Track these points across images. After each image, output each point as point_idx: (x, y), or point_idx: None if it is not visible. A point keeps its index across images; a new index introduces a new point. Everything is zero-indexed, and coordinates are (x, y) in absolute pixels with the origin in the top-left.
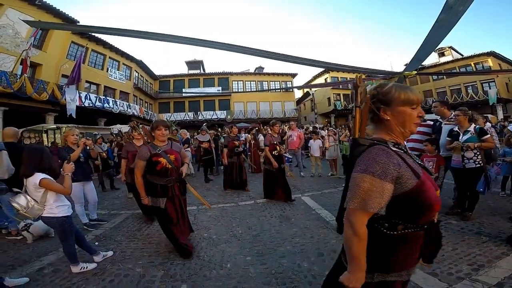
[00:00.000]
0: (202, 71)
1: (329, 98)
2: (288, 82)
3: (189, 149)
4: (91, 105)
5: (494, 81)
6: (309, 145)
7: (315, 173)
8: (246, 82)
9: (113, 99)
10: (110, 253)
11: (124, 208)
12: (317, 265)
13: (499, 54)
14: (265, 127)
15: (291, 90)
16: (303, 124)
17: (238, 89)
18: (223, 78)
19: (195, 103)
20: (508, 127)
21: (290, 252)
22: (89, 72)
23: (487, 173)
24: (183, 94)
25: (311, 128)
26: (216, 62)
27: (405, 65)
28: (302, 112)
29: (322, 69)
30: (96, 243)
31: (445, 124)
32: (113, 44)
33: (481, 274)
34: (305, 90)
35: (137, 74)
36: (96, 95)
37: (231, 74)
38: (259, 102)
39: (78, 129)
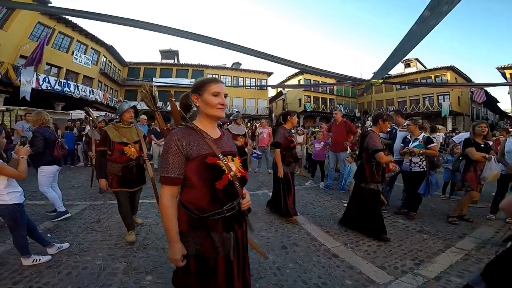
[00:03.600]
0: (176, 62)
1: (300, 99)
2: (263, 80)
3: None
4: (49, 88)
5: (448, 94)
6: None
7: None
8: (222, 77)
9: (75, 83)
10: (66, 245)
11: (81, 199)
12: (281, 258)
13: (457, 68)
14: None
15: (265, 88)
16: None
17: None
18: (198, 71)
19: (166, 93)
20: (453, 138)
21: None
22: (52, 54)
23: (428, 178)
24: (153, 83)
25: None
26: (192, 54)
27: (373, 73)
28: (274, 111)
29: (297, 70)
30: (49, 235)
31: (399, 131)
32: (83, 27)
33: (421, 269)
34: (278, 89)
35: (105, 59)
36: (56, 78)
37: (207, 67)
38: (233, 97)
39: (30, 113)
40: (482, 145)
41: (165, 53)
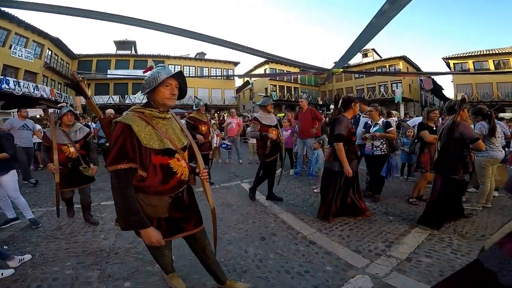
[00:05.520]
0: (134, 52)
1: (266, 89)
2: (230, 70)
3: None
4: None
5: (401, 82)
6: (247, 132)
7: (253, 160)
8: (185, 67)
9: (15, 79)
10: (27, 256)
11: (35, 205)
12: (261, 249)
13: (409, 58)
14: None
15: (232, 78)
16: (242, 113)
17: None
18: (158, 61)
19: (123, 86)
20: (407, 122)
21: (236, 239)
22: None
23: (389, 160)
24: (108, 76)
25: (249, 117)
26: (152, 44)
27: (334, 62)
28: (241, 101)
29: (264, 60)
30: (5, 247)
31: (362, 117)
32: (22, 19)
33: (393, 250)
34: (245, 79)
35: (50, 52)
36: None
37: (168, 57)
38: (197, 88)
39: None
40: (434, 128)
41: (121, 44)
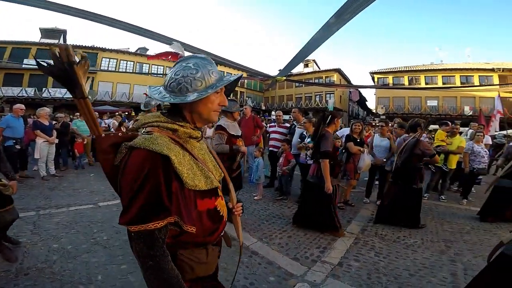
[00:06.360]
0: (62, 42)
1: None
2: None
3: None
4: None
5: (334, 93)
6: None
7: None
8: (122, 62)
9: None
10: None
11: None
12: None
13: (342, 71)
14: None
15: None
16: None
17: (109, 67)
18: (90, 53)
19: (40, 78)
20: (336, 132)
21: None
22: None
23: None
24: (23, 66)
25: None
26: (87, 35)
27: (279, 70)
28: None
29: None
30: None
31: (298, 128)
32: None
33: (326, 256)
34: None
35: None
36: None
37: (103, 50)
38: (133, 84)
39: None
40: (358, 140)
41: (48, 32)
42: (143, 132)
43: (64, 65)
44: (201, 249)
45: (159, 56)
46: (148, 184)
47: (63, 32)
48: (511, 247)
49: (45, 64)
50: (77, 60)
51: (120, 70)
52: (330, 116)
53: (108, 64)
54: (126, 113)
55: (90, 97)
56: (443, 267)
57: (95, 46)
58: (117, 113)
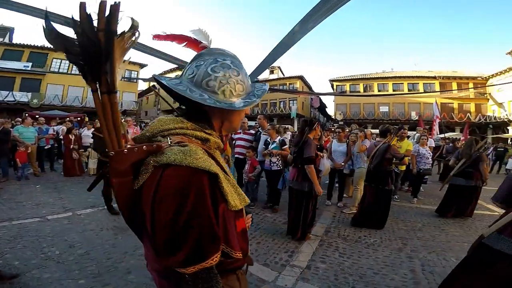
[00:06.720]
0: (8, 41)
1: None
2: (133, 72)
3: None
4: None
5: (296, 100)
6: None
7: None
8: None
9: None
10: None
11: None
12: None
13: (305, 78)
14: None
15: (135, 81)
16: (143, 119)
17: (60, 69)
18: (39, 53)
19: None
20: None
21: (136, 266)
22: None
23: (283, 174)
24: None
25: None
26: (37, 33)
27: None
28: (143, 106)
29: (175, 66)
30: None
31: (263, 134)
32: None
33: (295, 260)
34: (151, 84)
35: None
36: None
37: (54, 50)
38: (88, 88)
39: None
40: (318, 145)
41: None
42: (172, 143)
43: (95, 35)
44: (233, 275)
45: (171, 37)
46: (199, 210)
47: (9, 30)
48: (490, 239)
49: (57, 32)
50: (118, 34)
51: (73, 72)
52: (312, 123)
53: (60, 65)
54: (79, 118)
55: (36, 100)
56: (402, 264)
57: (45, 46)
58: (67, 118)
